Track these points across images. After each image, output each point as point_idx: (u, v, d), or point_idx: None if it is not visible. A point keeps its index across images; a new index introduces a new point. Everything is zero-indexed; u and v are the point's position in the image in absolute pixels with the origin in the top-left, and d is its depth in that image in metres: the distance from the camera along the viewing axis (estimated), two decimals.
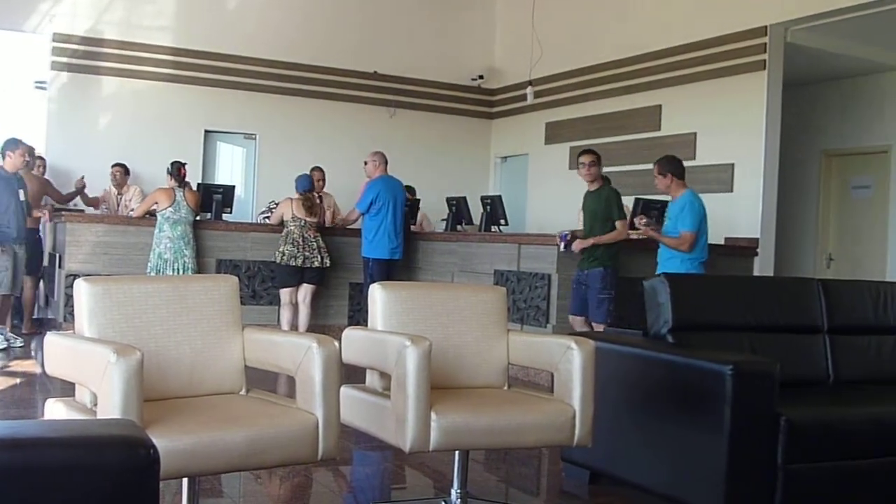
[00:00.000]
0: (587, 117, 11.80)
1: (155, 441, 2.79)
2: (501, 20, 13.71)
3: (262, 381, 4.40)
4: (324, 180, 10.43)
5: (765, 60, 9.51)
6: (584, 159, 7.99)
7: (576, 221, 9.37)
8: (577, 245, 7.99)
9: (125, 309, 3.55)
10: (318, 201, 9.63)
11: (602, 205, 7.82)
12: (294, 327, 9.32)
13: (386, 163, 9.62)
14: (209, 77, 11.96)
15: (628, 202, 9.36)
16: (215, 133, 12.26)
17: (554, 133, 12.43)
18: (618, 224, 7.76)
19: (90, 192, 10.72)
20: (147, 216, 9.35)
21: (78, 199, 10.74)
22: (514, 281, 8.74)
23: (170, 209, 9.07)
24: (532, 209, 12.74)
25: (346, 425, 4.00)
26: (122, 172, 10.64)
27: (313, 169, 10.41)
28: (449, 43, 13.44)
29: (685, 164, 10.05)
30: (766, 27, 9.49)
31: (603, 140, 11.46)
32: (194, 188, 9.79)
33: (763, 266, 9.42)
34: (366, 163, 9.70)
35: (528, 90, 12.26)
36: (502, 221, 9.80)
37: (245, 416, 3.36)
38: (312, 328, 9.33)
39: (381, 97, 12.96)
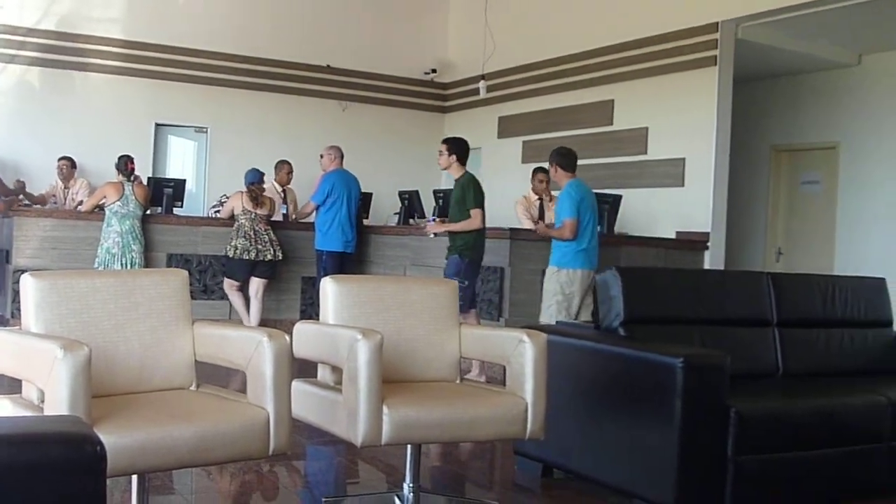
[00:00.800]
0: (540, 111, 11.83)
1: (102, 438, 2.76)
2: (454, 14, 13.70)
3: (213, 376, 4.37)
4: (291, 174, 10.50)
5: (716, 56, 9.59)
6: (439, 147, 7.95)
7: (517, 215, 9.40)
8: (429, 227, 8.02)
9: (72, 304, 3.50)
10: (264, 192, 9.53)
11: (459, 193, 7.75)
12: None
13: (342, 157, 9.64)
14: (160, 70, 11.83)
15: None
16: (166, 126, 12.14)
17: (507, 127, 12.45)
18: (472, 212, 7.63)
19: (37, 186, 10.56)
20: (96, 210, 9.23)
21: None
22: None
23: (118, 203, 8.96)
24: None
25: (298, 420, 3.98)
26: (69, 166, 10.48)
27: (281, 162, 10.48)
28: (402, 36, 13.42)
29: (637, 158, 10.24)
30: (717, 23, 9.57)
31: (555, 134, 11.48)
32: (144, 182, 9.68)
33: (713, 260, 9.51)
34: (322, 156, 9.71)
35: (481, 84, 12.26)
36: None
37: (195, 412, 3.32)
38: (264, 322, 9.29)
39: (333, 91, 12.90)
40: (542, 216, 9.28)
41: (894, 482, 4.73)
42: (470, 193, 7.64)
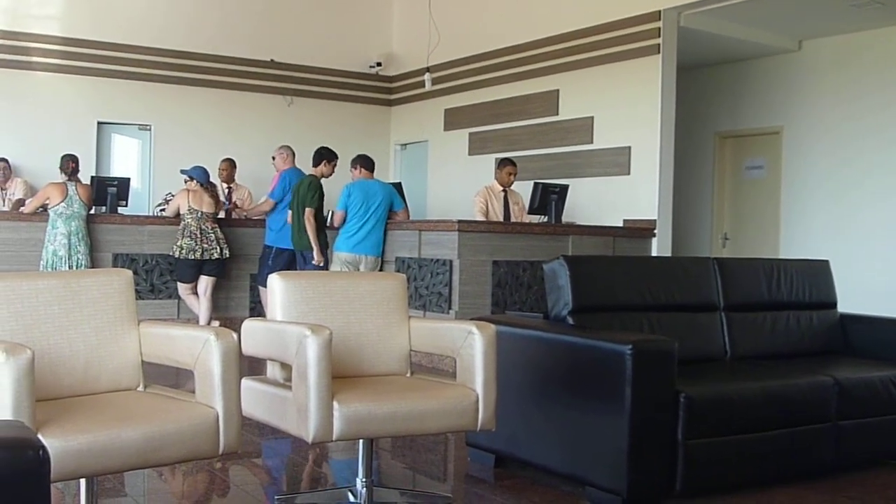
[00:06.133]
0: (485, 103, 11.83)
1: (47, 442, 2.74)
2: (398, 6, 13.66)
3: (164, 376, 4.33)
4: (231, 171, 10.65)
5: (659, 44, 9.64)
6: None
7: (471, 207, 9.43)
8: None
9: (14, 307, 3.44)
10: (216, 192, 9.51)
11: None
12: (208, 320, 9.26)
13: (294, 156, 9.75)
14: (101, 67, 11.66)
15: (527, 187, 9.45)
16: (108, 124, 11.98)
17: (453, 119, 12.45)
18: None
19: None
20: (39, 211, 9.08)
21: None
22: (415, 268, 8.74)
23: (62, 204, 8.84)
24: (432, 196, 12.76)
25: (249, 418, 3.95)
26: (5, 167, 10.31)
27: (223, 160, 10.57)
28: (346, 30, 13.35)
29: (584, 147, 10.32)
30: (659, 12, 9.62)
31: (502, 126, 11.53)
32: (87, 181, 9.56)
33: (661, 247, 9.58)
34: (273, 157, 9.87)
35: (427, 77, 12.26)
36: None
37: (141, 413, 3.28)
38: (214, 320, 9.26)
39: (278, 86, 12.81)
40: (506, 207, 9.33)
41: (840, 461, 4.82)
42: None
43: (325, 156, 9.17)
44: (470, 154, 12.06)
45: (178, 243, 9.09)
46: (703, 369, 4.80)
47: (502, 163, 9.51)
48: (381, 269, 8.89)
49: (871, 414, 4.89)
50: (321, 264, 8.86)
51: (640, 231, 9.60)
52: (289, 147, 9.80)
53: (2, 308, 3.41)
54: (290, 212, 9.14)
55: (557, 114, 10.82)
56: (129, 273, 3.81)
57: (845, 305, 5.94)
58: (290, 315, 4.07)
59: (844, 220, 10.43)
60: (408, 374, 4.29)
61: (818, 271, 5.84)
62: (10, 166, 10.40)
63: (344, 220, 8.91)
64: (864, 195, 10.27)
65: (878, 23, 9.99)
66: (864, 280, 9.45)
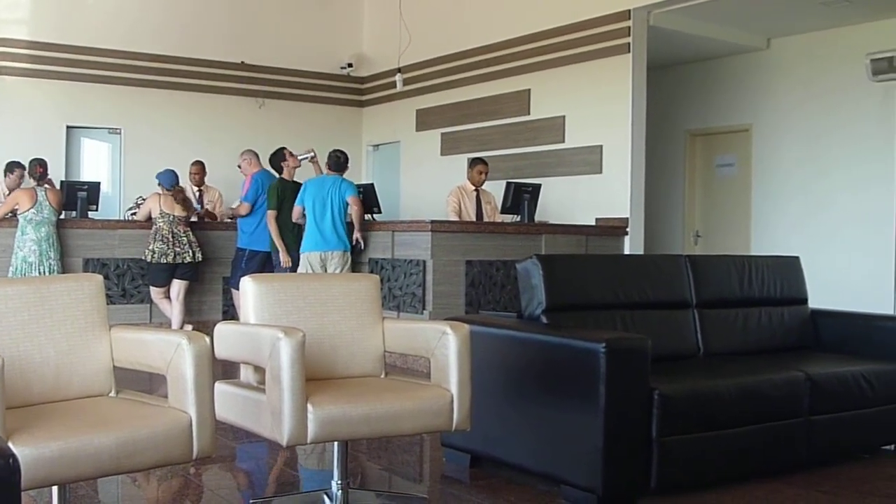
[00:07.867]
0: (457, 103, 11.83)
1: (18, 450, 2.71)
2: (369, 7, 13.65)
3: (137, 381, 4.30)
4: (202, 174, 10.58)
5: (629, 43, 9.67)
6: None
7: (444, 207, 9.43)
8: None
9: None
10: (186, 195, 9.47)
11: None
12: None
13: (258, 158, 9.74)
14: (69, 71, 11.58)
15: (500, 187, 9.46)
16: (78, 128, 11.89)
17: (425, 120, 12.44)
18: None
19: None
20: (7, 217, 8.98)
21: None
22: (388, 268, 8.73)
23: (32, 210, 8.75)
24: (405, 196, 12.75)
25: (223, 422, 3.93)
26: None
27: (193, 163, 10.51)
28: (317, 31, 13.32)
29: (555, 147, 10.35)
30: (629, 11, 9.65)
31: (474, 126, 11.53)
32: (56, 186, 9.48)
33: (633, 245, 9.61)
34: (239, 165, 9.88)
35: (398, 77, 12.24)
36: (375, 209, 9.77)
37: (114, 419, 3.26)
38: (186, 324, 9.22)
39: (249, 88, 12.76)
40: (479, 207, 9.33)
41: (814, 456, 4.85)
42: None
43: (273, 160, 9.45)
44: (442, 154, 12.06)
45: (150, 247, 9.04)
46: (676, 366, 4.81)
47: (473, 162, 9.53)
48: (350, 264, 8.79)
49: (844, 408, 4.93)
50: (288, 265, 8.83)
51: (613, 229, 9.63)
52: (251, 151, 9.80)
53: None
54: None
55: (529, 113, 10.83)
56: (100, 278, 3.78)
57: (816, 300, 5.99)
58: (263, 318, 4.05)
59: (814, 216, 10.50)
60: (382, 376, 4.29)
61: (789, 267, 5.88)
62: None
63: (303, 216, 8.78)
64: (834, 190, 10.34)
65: (846, 20, 10.06)
66: (834, 275, 9.51)
